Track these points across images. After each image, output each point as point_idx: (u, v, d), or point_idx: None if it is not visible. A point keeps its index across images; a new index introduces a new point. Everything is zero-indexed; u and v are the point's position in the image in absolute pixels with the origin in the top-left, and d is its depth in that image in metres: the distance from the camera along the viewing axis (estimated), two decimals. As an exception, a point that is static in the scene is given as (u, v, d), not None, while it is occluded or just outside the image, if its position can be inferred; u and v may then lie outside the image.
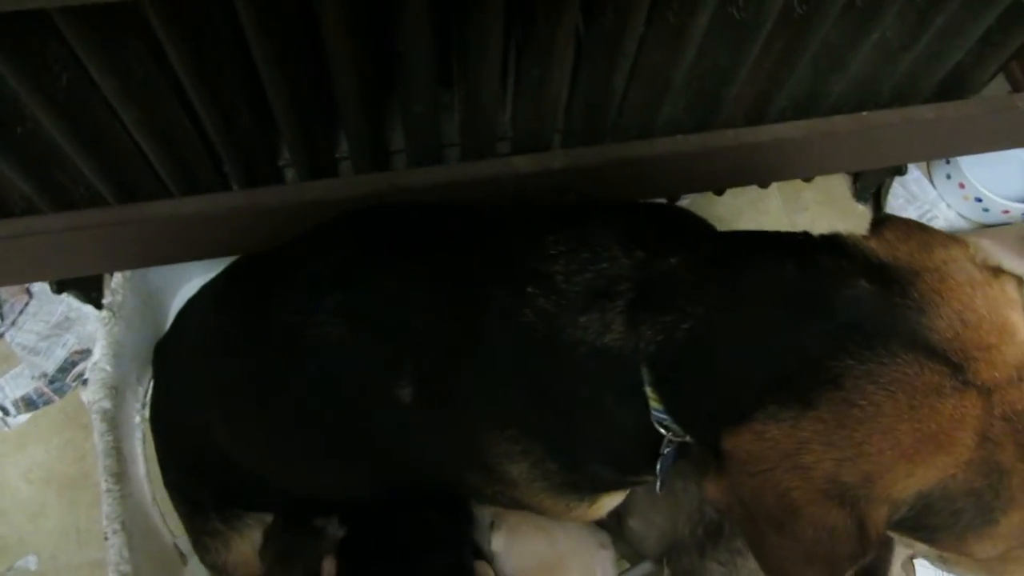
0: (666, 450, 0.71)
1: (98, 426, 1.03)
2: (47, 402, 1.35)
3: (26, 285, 1.39)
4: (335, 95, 0.85)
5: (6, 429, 1.34)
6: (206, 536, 1.04)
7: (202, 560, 1.06)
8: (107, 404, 1.04)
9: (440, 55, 0.84)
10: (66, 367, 1.36)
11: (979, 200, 1.56)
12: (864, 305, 0.56)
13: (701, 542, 0.97)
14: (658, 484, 0.73)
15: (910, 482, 0.54)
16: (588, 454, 0.74)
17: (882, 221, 0.63)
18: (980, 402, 0.54)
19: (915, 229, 0.61)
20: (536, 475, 0.77)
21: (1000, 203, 1.54)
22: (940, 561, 0.70)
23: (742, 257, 0.64)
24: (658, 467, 0.71)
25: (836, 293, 0.57)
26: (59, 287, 1.31)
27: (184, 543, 1.09)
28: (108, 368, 1.05)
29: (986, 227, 1.60)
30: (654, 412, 0.68)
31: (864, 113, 1.07)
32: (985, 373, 0.54)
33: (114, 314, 1.07)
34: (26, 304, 1.39)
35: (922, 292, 0.56)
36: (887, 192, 1.61)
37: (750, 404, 0.58)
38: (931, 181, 1.65)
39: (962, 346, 0.54)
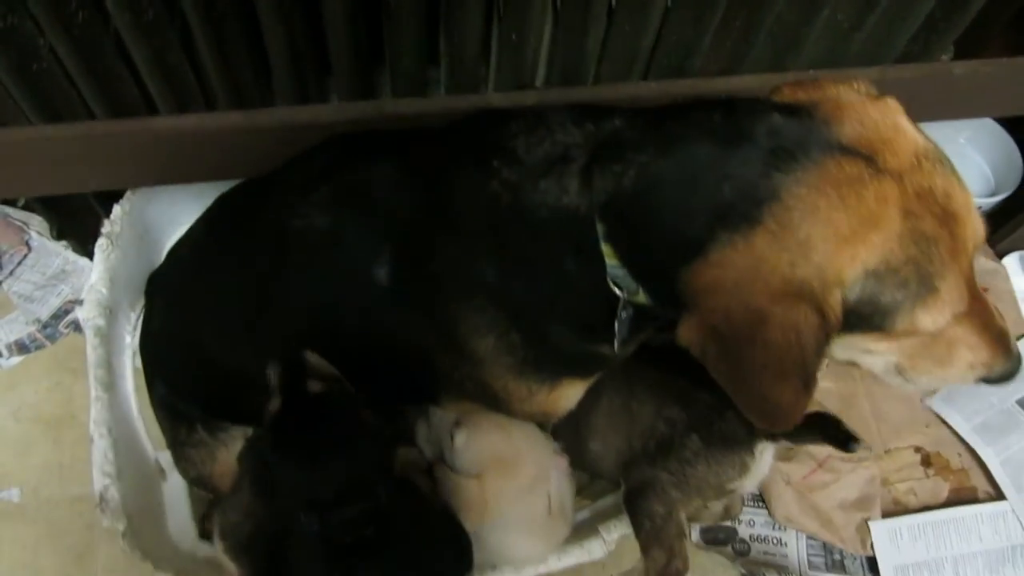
0: (623, 313, 0.78)
1: (91, 340, 1.08)
2: (39, 347, 1.40)
3: (25, 238, 1.46)
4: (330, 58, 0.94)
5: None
6: (190, 448, 1.08)
7: (185, 475, 1.11)
8: (100, 322, 1.10)
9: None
10: (59, 315, 1.42)
11: (932, 194, 1.66)
12: (781, 130, 0.66)
13: (652, 455, 1.03)
14: (616, 344, 0.80)
15: (856, 263, 0.64)
16: (550, 317, 0.80)
17: (777, 87, 0.72)
18: (895, 185, 0.64)
19: (806, 82, 0.72)
20: (501, 349, 0.84)
21: (955, 197, 1.64)
22: (899, 375, 0.77)
23: (676, 112, 0.72)
24: (616, 328, 0.78)
25: (756, 126, 0.66)
26: (59, 233, 1.38)
27: (165, 458, 1.13)
28: (103, 290, 1.11)
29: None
30: (610, 269, 0.75)
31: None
32: (892, 161, 0.64)
33: (111, 242, 1.13)
34: (25, 256, 1.45)
35: (825, 113, 0.67)
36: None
37: (701, 238, 0.66)
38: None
39: (868, 142, 0.64)
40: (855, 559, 1.41)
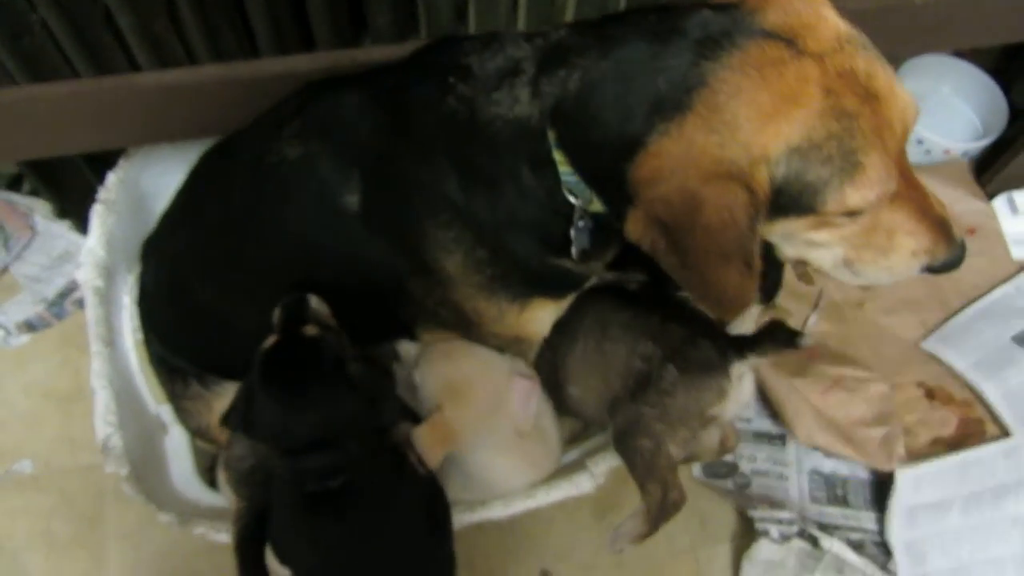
0: (580, 223, 0.80)
1: (90, 299, 1.12)
2: (47, 325, 1.44)
3: (30, 223, 1.50)
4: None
5: (7, 348, 1.43)
6: (187, 401, 1.12)
7: (185, 425, 1.14)
8: (99, 282, 1.13)
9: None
10: (65, 293, 1.46)
11: (920, 142, 1.67)
12: (710, 22, 0.69)
13: (632, 392, 1.05)
14: (574, 253, 0.82)
15: (779, 139, 0.66)
16: (512, 230, 0.83)
17: None
18: (816, 65, 0.66)
19: None
20: (469, 266, 0.86)
21: (941, 143, 1.65)
22: (847, 268, 0.79)
23: (616, 17, 0.76)
24: (572, 235, 0.80)
25: (688, 21, 0.70)
26: (61, 212, 1.42)
27: (166, 412, 1.16)
28: (101, 252, 1.15)
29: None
30: (564, 178, 0.78)
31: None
32: (813, 44, 0.66)
33: (107, 207, 1.17)
34: (30, 239, 1.50)
35: (751, 4, 0.70)
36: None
37: (641, 131, 0.69)
38: (874, 128, 1.76)
39: (790, 28, 0.67)
40: (858, 494, 1.41)
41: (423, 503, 0.98)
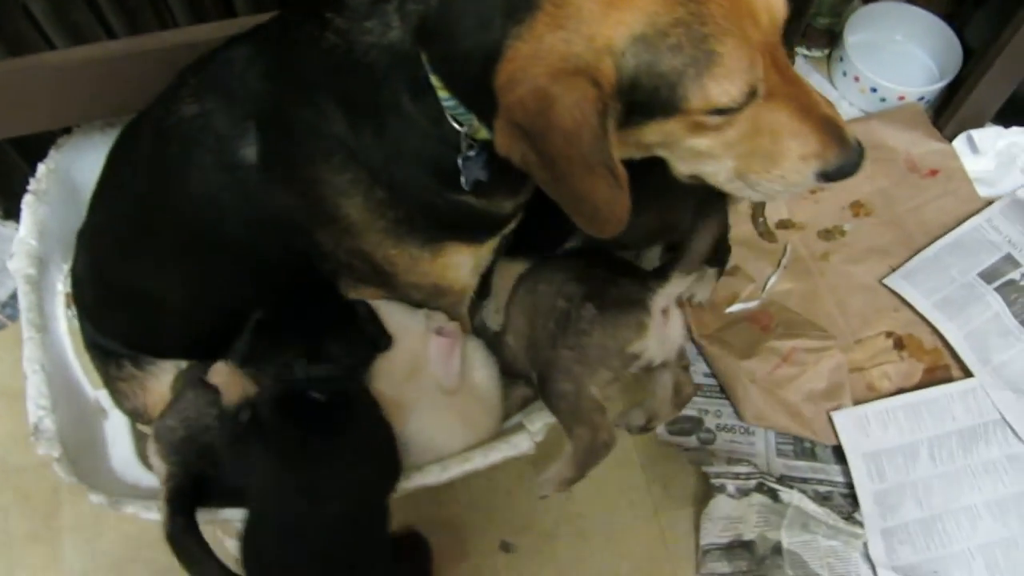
0: (469, 152, 0.79)
1: (22, 287, 1.12)
2: (1, 327, 1.44)
3: (-18, 227, 1.51)
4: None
5: (-38, 351, 1.44)
6: (122, 383, 1.11)
7: (121, 407, 1.14)
8: (31, 271, 1.13)
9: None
10: (16, 296, 1.46)
11: (875, 90, 1.65)
12: None
13: (553, 334, 1.03)
14: (463, 181, 0.81)
15: (621, 27, 0.64)
16: (404, 165, 0.82)
17: None
18: None
19: None
20: (372, 210, 0.85)
21: (894, 89, 1.63)
22: (741, 181, 0.77)
23: None
24: (460, 164, 0.79)
25: None
26: (5, 214, 1.43)
27: (104, 397, 1.16)
28: (33, 242, 1.15)
29: (884, 112, 1.67)
30: (444, 103, 0.76)
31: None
32: None
33: (38, 198, 1.18)
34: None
35: None
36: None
37: (498, 38, 0.68)
38: (831, 82, 1.73)
39: None
40: (826, 448, 1.38)
41: (384, 450, 0.99)
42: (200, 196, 0.90)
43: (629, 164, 0.75)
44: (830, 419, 1.36)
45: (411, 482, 1.02)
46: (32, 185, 1.18)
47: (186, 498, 0.95)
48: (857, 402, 1.38)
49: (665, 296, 1.00)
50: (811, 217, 1.55)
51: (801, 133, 0.74)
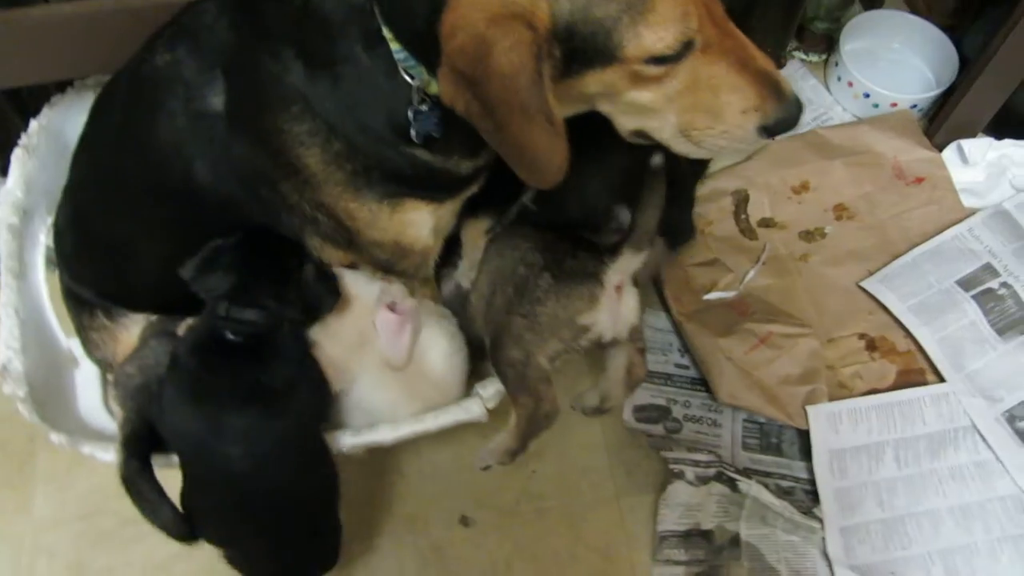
0: (421, 106, 0.81)
1: (3, 235, 1.16)
2: None
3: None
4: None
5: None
6: (93, 332, 1.15)
7: (90, 356, 1.17)
8: (14, 220, 1.17)
9: None
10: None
11: (867, 96, 1.65)
12: None
13: (510, 300, 1.04)
14: (413, 134, 0.83)
15: None
16: (359, 117, 0.84)
17: None
18: None
19: None
20: (330, 161, 0.87)
21: (887, 96, 1.63)
22: (685, 138, 0.80)
23: None
24: (410, 117, 0.81)
25: None
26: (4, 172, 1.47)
27: (76, 347, 1.19)
28: (19, 194, 1.19)
29: (875, 118, 1.68)
30: (396, 56, 0.79)
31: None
32: None
33: (28, 152, 1.22)
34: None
35: None
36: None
37: None
38: (826, 87, 1.74)
39: None
40: (792, 443, 1.38)
41: (317, 405, 1.01)
42: (169, 143, 0.92)
43: (573, 128, 0.77)
44: (807, 402, 1.35)
45: (361, 438, 1.04)
46: (23, 140, 1.23)
47: (141, 442, 0.98)
48: (830, 399, 1.38)
49: (618, 271, 1.01)
50: (793, 217, 1.56)
51: (739, 87, 0.76)
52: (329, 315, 1.02)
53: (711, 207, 1.56)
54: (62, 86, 1.28)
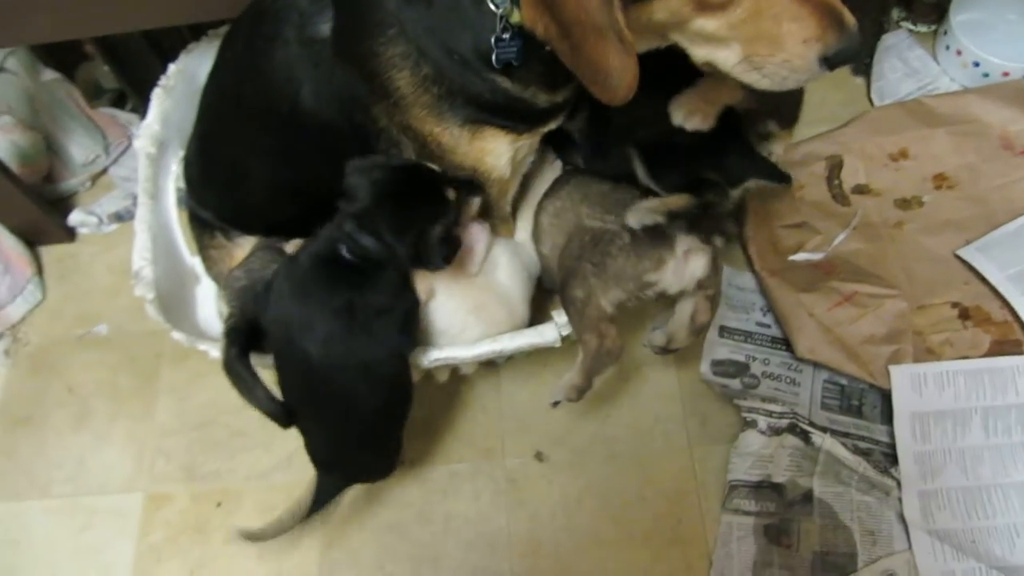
0: (504, 34, 0.88)
1: (142, 162, 1.31)
2: (131, 217, 1.66)
3: (128, 134, 1.74)
4: None
5: (99, 234, 1.67)
6: (212, 250, 1.28)
7: (208, 271, 1.30)
8: (152, 149, 1.32)
9: None
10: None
11: (977, 64, 1.61)
12: None
13: (583, 247, 1.10)
14: (493, 58, 0.89)
15: None
16: (448, 40, 0.91)
17: None
18: None
19: None
20: (418, 84, 0.95)
21: (998, 64, 1.59)
22: (750, 67, 0.83)
23: None
24: (492, 43, 0.88)
25: None
26: (132, 106, 1.64)
27: (198, 264, 1.33)
28: (157, 127, 1.34)
29: (987, 88, 1.62)
30: None
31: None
32: None
33: (166, 91, 1.36)
34: (126, 147, 1.74)
35: None
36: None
37: None
38: (934, 57, 1.70)
39: None
40: (875, 407, 1.37)
41: (399, 337, 1.08)
42: (281, 68, 1.02)
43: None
44: (892, 361, 1.33)
45: (441, 353, 1.11)
46: (162, 80, 1.37)
47: (240, 334, 1.09)
48: (915, 363, 1.35)
49: (688, 240, 1.06)
50: (889, 185, 1.54)
51: (800, 16, 0.79)
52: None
53: (803, 171, 1.56)
54: (197, 35, 1.42)
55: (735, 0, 0.79)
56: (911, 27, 1.73)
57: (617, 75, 0.80)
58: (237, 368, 1.06)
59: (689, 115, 1.08)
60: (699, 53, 0.87)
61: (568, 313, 1.08)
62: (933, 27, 1.72)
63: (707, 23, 0.81)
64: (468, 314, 1.13)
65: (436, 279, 1.10)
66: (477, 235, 1.11)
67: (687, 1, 0.79)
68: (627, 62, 0.79)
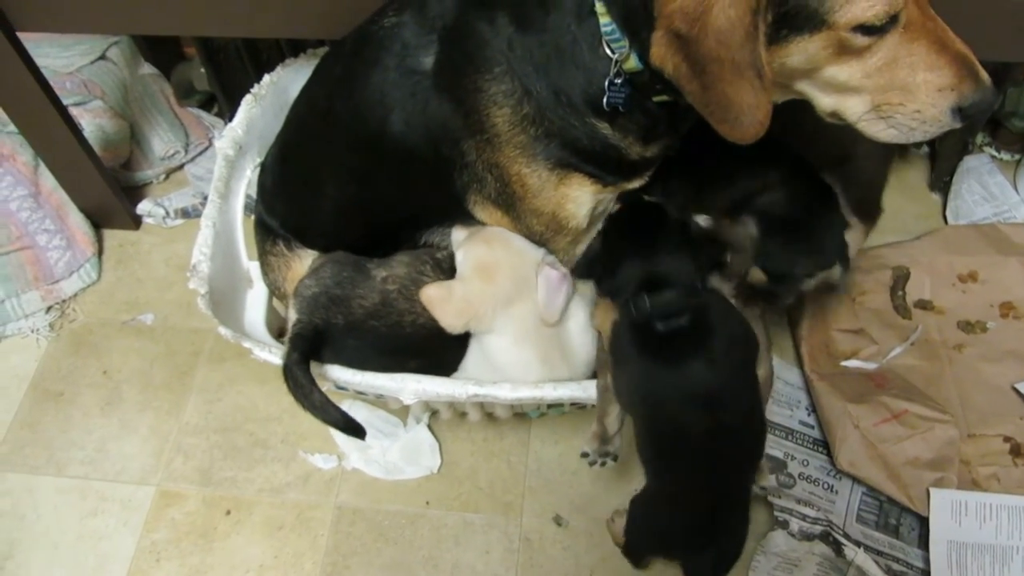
0: (617, 80, 0.89)
1: (219, 162, 1.33)
2: (197, 215, 1.69)
3: (210, 135, 1.78)
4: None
5: (164, 227, 1.70)
6: (272, 257, 1.29)
7: (265, 276, 1.31)
8: (230, 152, 1.35)
9: None
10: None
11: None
12: None
13: None
14: (604, 100, 0.90)
15: None
16: (557, 80, 0.92)
17: None
18: None
19: None
20: (516, 123, 0.95)
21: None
22: (878, 116, 0.82)
23: None
24: (606, 85, 0.89)
25: None
26: (219, 110, 1.69)
27: (255, 269, 1.34)
28: (240, 132, 1.37)
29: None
30: (603, 30, 0.87)
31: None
32: None
33: (255, 99, 1.40)
34: (205, 148, 1.79)
35: None
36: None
37: None
38: (1015, 186, 1.68)
39: None
40: (912, 529, 1.31)
41: (744, 341, 1.05)
42: (375, 91, 1.04)
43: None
44: (928, 491, 1.28)
45: (482, 390, 1.10)
46: (254, 89, 1.41)
47: (305, 341, 1.09)
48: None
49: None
50: (954, 305, 1.50)
51: (938, 66, 0.78)
52: (495, 266, 1.10)
53: (868, 278, 1.53)
54: (295, 51, 1.46)
55: (872, 48, 0.78)
56: (994, 153, 1.72)
57: (750, 112, 0.79)
58: (296, 373, 1.06)
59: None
60: (826, 102, 0.86)
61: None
62: (1017, 156, 1.70)
63: (840, 71, 0.81)
64: (530, 363, 1.12)
65: (506, 318, 1.10)
66: (560, 284, 1.11)
67: (827, 45, 0.78)
68: (761, 99, 0.79)
